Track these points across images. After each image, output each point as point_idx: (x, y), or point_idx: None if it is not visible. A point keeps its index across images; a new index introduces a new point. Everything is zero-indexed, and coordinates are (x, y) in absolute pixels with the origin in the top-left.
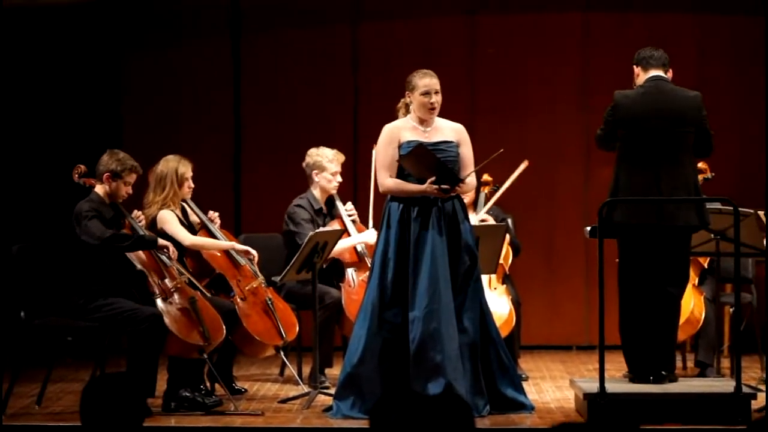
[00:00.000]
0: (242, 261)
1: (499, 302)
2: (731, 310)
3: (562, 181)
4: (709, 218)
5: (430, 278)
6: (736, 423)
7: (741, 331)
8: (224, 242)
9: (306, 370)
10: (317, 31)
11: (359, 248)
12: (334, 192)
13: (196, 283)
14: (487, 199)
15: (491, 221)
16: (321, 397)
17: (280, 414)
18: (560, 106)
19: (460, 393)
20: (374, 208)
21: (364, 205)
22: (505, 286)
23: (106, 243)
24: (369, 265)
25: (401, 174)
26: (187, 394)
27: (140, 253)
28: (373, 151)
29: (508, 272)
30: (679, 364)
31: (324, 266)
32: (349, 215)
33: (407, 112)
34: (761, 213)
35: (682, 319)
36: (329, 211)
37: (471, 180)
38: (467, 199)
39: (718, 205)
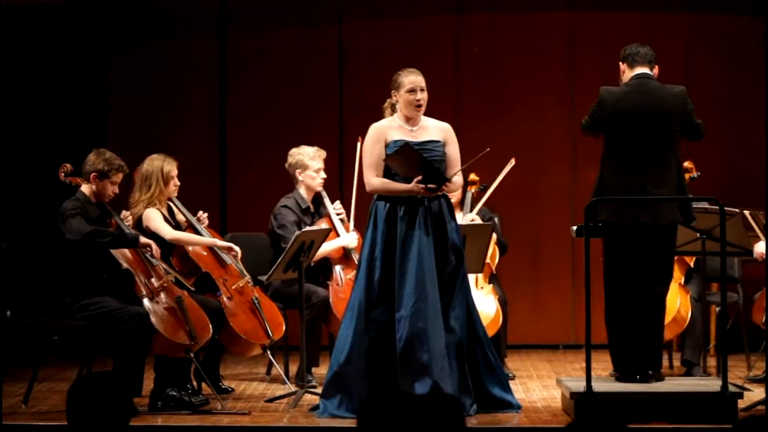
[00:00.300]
0: (228, 260)
1: (485, 301)
2: (717, 309)
3: (549, 180)
4: (693, 215)
5: (417, 278)
6: (722, 422)
7: (727, 330)
8: (206, 238)
9: (293, 369)
10: (303, 30)
11: (346, 247)
12: (320, 189)
13: (183, 281)
14: (474, 198)
15: (478, 220)
16: (308, 396)
17: (267, 413)
18: (547, 105)
19: (446, 392)
20: (357, 207)
21: (348, 204)
22: (491, 285)
23: (86, 238)
24: (356, 264)
25: (388, 173)
26: (174, 394)
27: (126, 252)
28: (358, 145)
29: (494, 271)
30: (665, 363)
31: (311, 265)
32: (338, 214)
33: (393, 112)
34: (747, 212)
35: (668, 318)
36: (317, 210)
37: (457, 179)
38: (454, 198)
39: (705, 205)
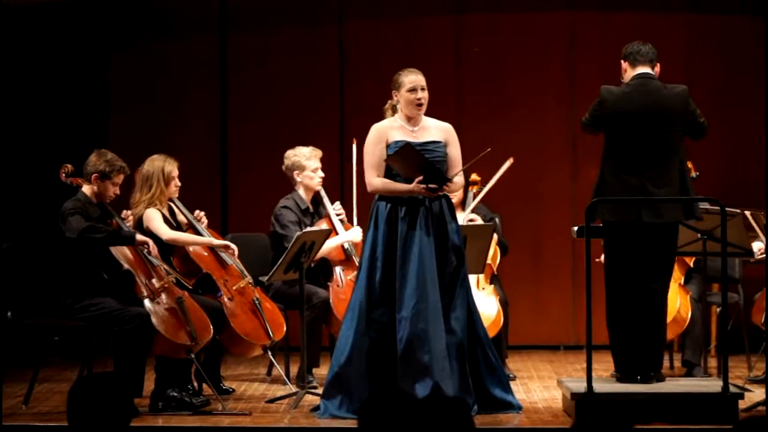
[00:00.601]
0: (229, 260)
1: (487, 302)
2: (718, 309)
3: (549, 180)
4: (698, 213)
5: (418, 278)
6: (723, 422)
7: (728, 331)
8: (203, 237)
9: (293, 369)
10: (304, 30)
11: (347, 247)
12: (319, 188)
13: (183, 281)
14: (475, 199)
15: (479, 220)
16: (308, 397)
17: (268, 414)
18: (547, 105)
19: (447, 393)
20: (358, 206)
21: (350, 203)
22: (493, 286)
23: (82, 235)
24: (357, 264)
25: (389, 174)
26: (175, 394)
27: (127, 252)
28: (353, 146)
29: (496, 272)
30: (666, 363)
31: (312, 265)
32: (337, 215)
33: (394, 113)
34: (748, 213)
35: (668, 319)
36: (316, 210)
37: (459, 179)
38: (455, 198)
39: (706, 205)
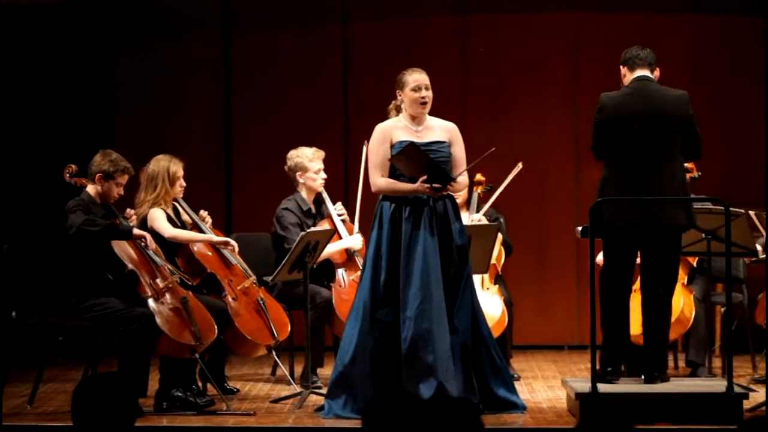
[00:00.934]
0: (233, 260)
1: (491, 302)
2: (722, 309)
3: (553, 181)
4: (695, 217)
5: (422, 278)
6: (727, 423)
7: (732, 330)
8: (203, 235)
9: (298, 369)
10: (308, 30)
11: (349, 248)
12: (321, 189)
13: (185, 279)
14: (480, 199)
15: (484, 221)
16: (313, 397)
17: (272, 414)
18: (551, 106)
19: (451, 393)
20: (361, 209)
21: (355, 204)
22: (497, 286)
23: (79, 229)
24: (359, 266)
25: (393, 174)
26: (179, 394)
27: (131, 252)
28: (364, 148)
29: (500, 272)
30: (670, 363)
31: (314, 266)
32: (339, 215)
33: (398, 114)
34: (752, 213)
35: (672, 319)
36: (318, 211)
37: (463, 179)
38: (460, 198)
39: (708, 205)
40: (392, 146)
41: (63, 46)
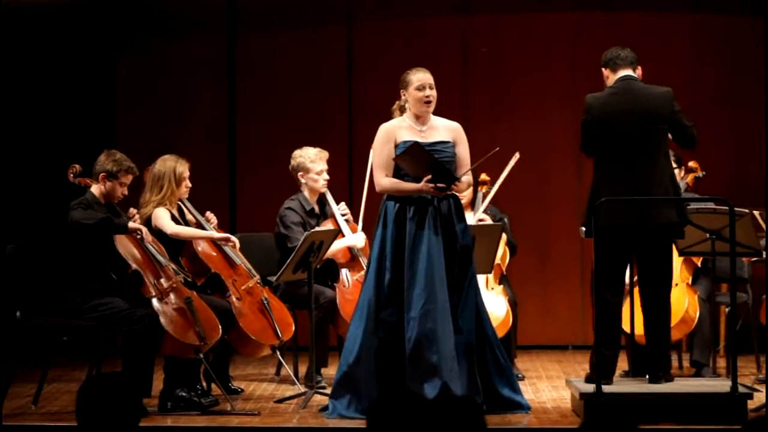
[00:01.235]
0: (237, 260)
1: (496, 302)
2: (727, 309)
3: (556, 180)
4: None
5: (426, 278)
6: (732, 423)
7: (737, 331)
8: (203, 231)
9: (302, 369)
10: (312, 30)
11: (353, 248)
12: (324, 190)
13: (187, 275)
14: (485, 199)
15: (489, 221)
16: (317, 397)
17: (277, 414)
18: (553, 105)
19: (455, 393)
20: (366, 208)
21: (360, 204)
22: (502, 286)
23: (77, 223)
24: (363, 266)
25: (398, 173)
26: (184, 394)
27: (135, 252)
28: (371, 154)
29: (505, 272)
30: (674, 363)
31: (318, 266)
32: (342, 215)
33: (402, 114)
34: (757, 213)
35: (676, 319)
36: (322, 211)
37: (467, 178)
38: (465, 198)
39: (712, 205)
40: (396, 146)
41: (65, 47)
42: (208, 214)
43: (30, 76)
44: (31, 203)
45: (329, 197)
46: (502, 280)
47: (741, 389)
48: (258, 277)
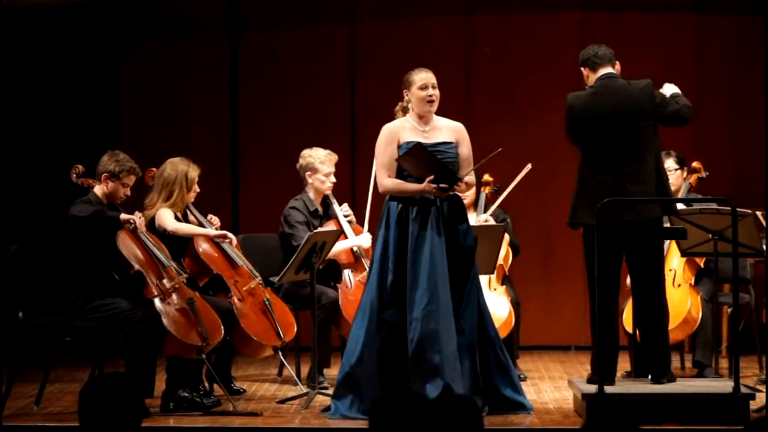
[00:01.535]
0: (239, 261)
1: (498, 303)
2: (729, 310)
3: (559, 181)
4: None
5: (429, 279)
6: (734, 423)
7: (739, 331)
8: (202, 229)
9: (304, 370)
10: (315, 31)
11: (355, 249)
12: (328, 192)
13: (180, 269)
14: (488, 200)
15: (491, 221)
16: (319, 398)
17: (279, 414)
18: (557, 106)
19: (458, 394)
20: (371, 210)
21: (362, 205)
22: (504, 287)
23: (72, 218)
24: (365, 266)
25: (400, 174)
26: (186, 395)
27: (137, 252)
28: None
29: (507, 273)
30: (677, 364)
31: (321, 267)
32: (345, 216)
33: (405, 115)
34: (759, 213)
35: (679, 319)
36: (325, 212)
37: (470, 179)
38: (468, 199)
39: (715, 206)
40: (399, 147)
41: (69, 47)
42: (211, 216)
43: (33, 76)
44: (34, 203)
45: (333, 199)
46: (505, 280)
47: (743, 390)
48: (260, 277)
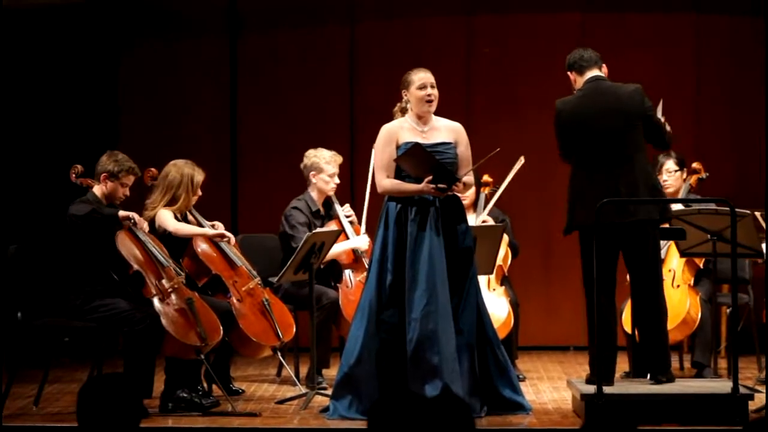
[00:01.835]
0: (238, 261)
1: (497, 304)
2: (728, 310)
3: (559, 181)
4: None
5: (428, 279)
6: (733, 423)
7: (738, 331)
8: (200, 228)
9: (303, 370)
10: (315, 31)
11: (356, 250)
12: (331, 193)
13: (177, 268)
14: (488, 200)
15: (491, 222)
16: (318, 398)
17: (278, 415)
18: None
19: (457, 394)
20: (369, 211)
21: (362, 206)
22: (503, 287)
23: (70, 217)
24: (366, 267)
25: (399, 175)
26: (185, 395)
27: (136, 252)
28: (372, 154)
29: (506, 273)
30: (676, 364)
31: (321, 267)
32: (347, 216)
33: (404, 115)
34: (758, 214)
35: (678, 320)
36: (327, 213)
37: (468, 179)
38: (467, 200)
39: (713, 206)
40: (398, 147)
41: (68, 47)
42: (215, 223)
43: (33, 76)
44: (34, 204)
45: (334, 199)
46: (504, 281)
47: (742, 390)
48: (259, 278)
